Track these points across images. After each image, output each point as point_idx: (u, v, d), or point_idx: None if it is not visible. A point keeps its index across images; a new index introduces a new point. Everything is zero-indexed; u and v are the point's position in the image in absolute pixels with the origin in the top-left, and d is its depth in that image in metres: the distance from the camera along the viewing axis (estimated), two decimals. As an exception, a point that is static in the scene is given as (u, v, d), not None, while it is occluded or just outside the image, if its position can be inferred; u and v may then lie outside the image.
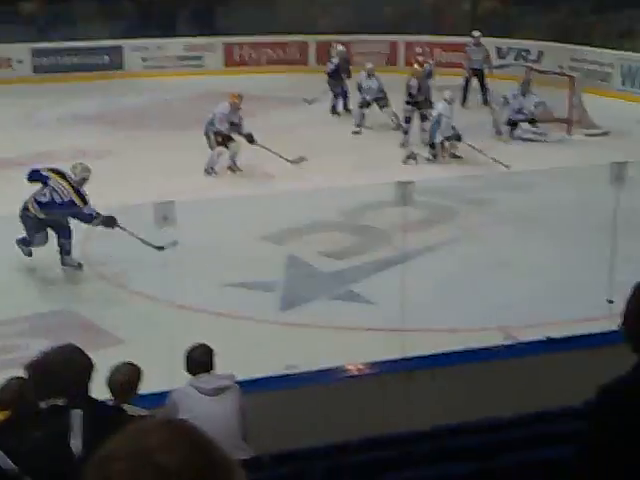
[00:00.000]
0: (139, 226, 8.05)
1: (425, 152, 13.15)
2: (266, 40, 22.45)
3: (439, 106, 13.05)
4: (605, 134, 14.34)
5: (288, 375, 5.93)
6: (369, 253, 9.17)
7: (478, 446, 3.99)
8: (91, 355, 3.43)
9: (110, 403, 4.44)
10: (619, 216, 6.91)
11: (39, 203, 8.52)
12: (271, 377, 5.89)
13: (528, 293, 7.88)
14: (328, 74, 16.68)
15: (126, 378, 4.69)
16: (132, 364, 4.81)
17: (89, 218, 8.66)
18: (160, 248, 7.91)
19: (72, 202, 8.55)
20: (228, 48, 22.44)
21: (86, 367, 3.33)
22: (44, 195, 8.59)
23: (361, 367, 5.86)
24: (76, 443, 3.07)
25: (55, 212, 8.46)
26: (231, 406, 4.91)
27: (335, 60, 16.88)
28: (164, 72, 21.40)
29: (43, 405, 3.18)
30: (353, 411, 5.50)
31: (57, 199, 8.57)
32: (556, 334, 5.88)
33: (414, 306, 6.58)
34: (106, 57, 21.75)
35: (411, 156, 13.04)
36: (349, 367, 5.89)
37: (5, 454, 3.02)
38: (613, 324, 5.36)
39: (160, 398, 5.02)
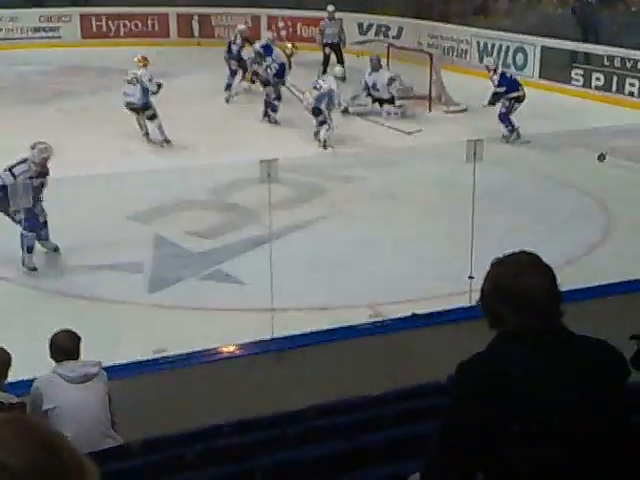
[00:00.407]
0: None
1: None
2: (125, 12, 21.92)
3: (330, 80, 13.06)
4: (464, 111, 14.74)
5: (157, 359, 5.87)
6: (237, 232, 9.13)
7: (350, 424, 4.06)
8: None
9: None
10: (477, 193, 7.12)
11: None
12: (139, 361, 5.82)
13: (395, 270, 8.05)
14: (232, 56, 16.16)
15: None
16: (3, 349, 4.67)
17: None
18: None
19: None
20: (85, 19, 21.79)
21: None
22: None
23: (231, 348, 5.87)
24: None
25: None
26: (98, 394, 4.82)
27: (238, 41, 16.47)
28: (18, 44, 20.60)
29: None
30: (224, 393, 5.50)
31: None
32: (421, 310, 6.04)
33: (284, 285, 6.61)
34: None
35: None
36: (219, 349, 5.88)
37: None
38: (474, 300, 5.56)
39: (25, 386, 4.89)
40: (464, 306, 5.86)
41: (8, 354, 4.67)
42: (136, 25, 22.13)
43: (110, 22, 21.92)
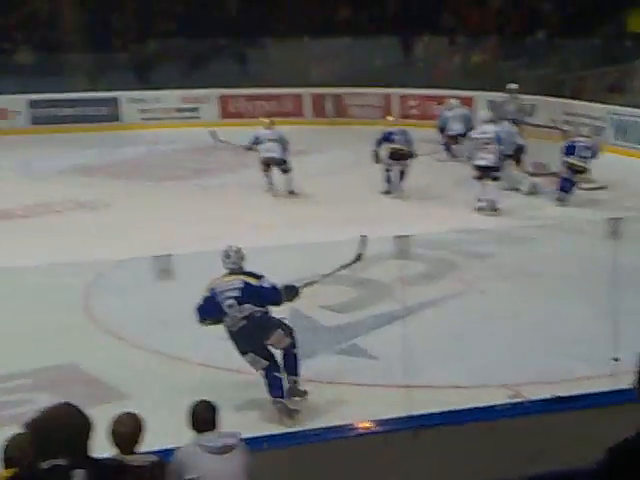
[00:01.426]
0: (138, 279, 8.03)
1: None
2: (262, 93, 22.71)
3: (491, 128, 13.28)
4: (602, 188, 14.45)
5: (292, 433, 5.90)
6: (371, 307, 9.17)
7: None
8: (95, 410, 3.44)
9: (113, 456, 4.42)
10: (618, 272, 6.94)
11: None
12: (275, 435, 5.85)
13: (532, 349, 7.88)
14: None
15: (128, 429, 4.65)
16: (133, 414, 4.77)
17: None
18: (358, 257, 7.81)
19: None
20: (224, 100, 22.67)
21: (84, 426, 3.33)
22: None
23: (366, 425, 5.83)
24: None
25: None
26: (238, 465, 4.87)
27: None
28: (161, 124, 21.56)
29: (45, 465, 3.17)
30: (358, 470, 5.46)
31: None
32: (562, 392, 5.87)
33: (417, 361, 6.58)
34: (103, 109, 21.93)
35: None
36: (354, 425, 5.86)
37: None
38: (620, 382, 5.39)
39: (165, 455, 4.98)
40: (609, 389, 5.67)
41: (141, 420, 4.74)
42: (272, 105, 22.86)
43: (247, 103, 22.74)
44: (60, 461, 3.13)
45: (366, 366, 7.84)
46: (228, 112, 22.52)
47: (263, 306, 6.94)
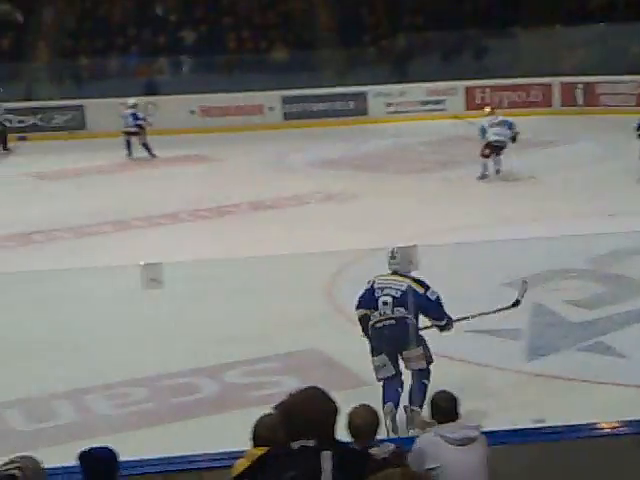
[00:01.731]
0: (384, 270, 8.15)
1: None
2: (509, 83, 22.33)
3: None
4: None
5: (535, 429, 5.76)
6: (621, 304, 8.78)
7: None
8: (336, 396, 3.52)
9: (354, 446, 4.49)
10: None
11: None
12: (517, 430, 5.75)
13: None
14: None
15: (366, 422, 4.70)
16: (370, 407, 4.80)
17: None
18: (516, 303, 7.26)
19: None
20: (470, 91, 22.50)
21: (331, 410, 3.41)
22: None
23: (615, 424, 5.59)
24: (327, 485, 3.14)
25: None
26: (478, 457, 4.82)
27: None
28: (406, 117, 21.74)
29: (294, 445, 3.27)
30: (605, 471, 5.25)
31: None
32: None
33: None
34: (351, 103, 22.44)
35: None
36: (601, 424, 5.64)
37: (261, 490, 3.15)
38: None
39: (407, 442, 5.02)
40: None
41: (377, 413, 4.76)
42: (519, 96, 22.43)
43: (493, 93, 22.43)
44: (309, 442, 3.22)
45: (613, 365, 7.52)
46: (473, 104, 22.32)
47: (417, 317, 6.58)
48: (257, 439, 4.56)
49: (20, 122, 21.59)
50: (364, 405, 4.74)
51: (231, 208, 13.58)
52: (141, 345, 7.22)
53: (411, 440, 4.99)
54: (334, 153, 18.25)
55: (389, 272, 6.73)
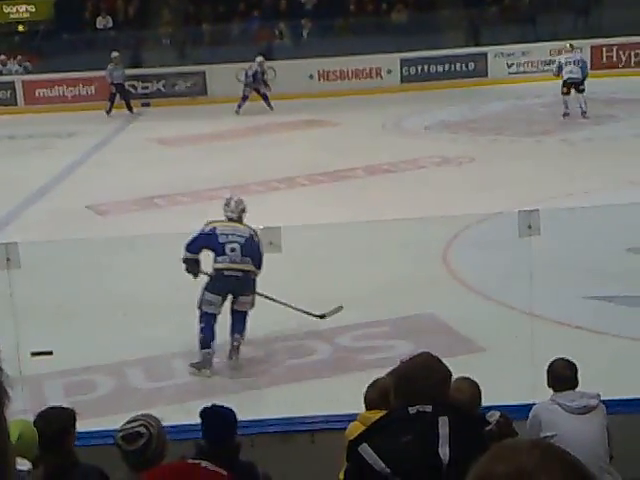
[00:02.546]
0: (503, 234, 8.02)
1: None
2: (636, 40, 21.47)
3: None
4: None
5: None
6: None
7: None
8: (453, 360, 3.49)
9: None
10: None
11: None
12: (638, 399, 5.60)
13: None
14: None
15: (467, 396, 4.61)
16: (471, 381, 4.69)
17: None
18: (321, 317, 7.49)
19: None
20: (596, 50, 21.74)
21: (445, 376, 3.39)
22: None
23: None
24: (444, 451, 3.13)
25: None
26: (598, 427, 4.71)
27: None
28: (528, 77, 21.21)
29: (412, 410, 3.27)
30: None
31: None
32: None
33: None
34: (471, 64, 22.03)
35: None
36: None
37: (377, 454, 3.16)
38: None
39: (522, 411, 4.96)
40: None
41: (478, 386, 4.65)
42: (646, 53, 21.58)
43: (621, 52, 21.62)
44: (427, 407, 3.23)
45: None
46: (599, 63, 21.56)
47: (258, 267, 7.13)
48: (369, 403, 4.60)
49: (144, 88, 22.09)
50: (464, 378, 4.67)
51: (348, 172, 13.59)
52: (258, 307, 7.32)
53: (527, 408, 4.93)
54: (452, 116, 18.00)
55: (225, 219, 7.30)
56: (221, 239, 7.12)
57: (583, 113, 16.31)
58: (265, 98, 19.71)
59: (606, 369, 6.58)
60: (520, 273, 8.31)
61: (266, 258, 7.09)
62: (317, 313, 7.52)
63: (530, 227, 7.07)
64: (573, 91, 16.52)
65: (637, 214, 9.37)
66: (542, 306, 7.67)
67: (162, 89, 22.14)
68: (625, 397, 5.53)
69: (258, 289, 7.32)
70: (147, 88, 22.12)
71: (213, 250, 7.16)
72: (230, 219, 7.30)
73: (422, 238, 9.35)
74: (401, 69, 22.07)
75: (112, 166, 14.88)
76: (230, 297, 7.16)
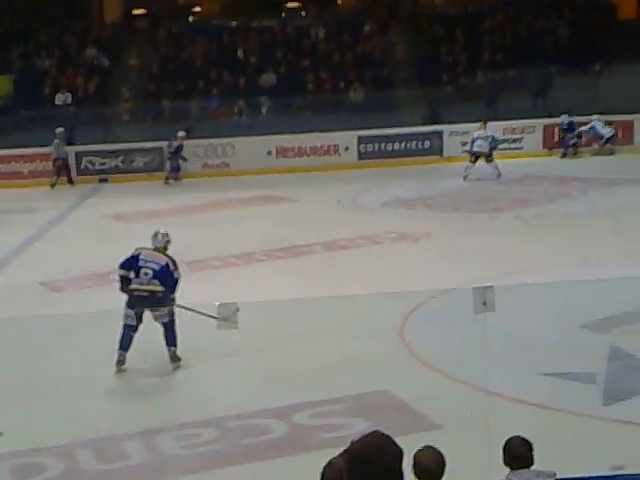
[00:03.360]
0: (458, 310, 8.06)
1: None
2: (586, 120, 22.06)
3: None
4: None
5: (614, 476, 5.58)
6: None
7: None
8: (407, 438, 3.45)
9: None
10: None
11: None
12: (595, 477, 5.57)
13: None
14: None
15: (432, 463, 4.59)
16: (435, 448, 4.68)
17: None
18: (224, 320, 7.81)
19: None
20: (548, 129, 22.26)
21: (397, 455, 3.37)
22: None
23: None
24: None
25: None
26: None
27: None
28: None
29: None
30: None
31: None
32: None
33: None
34: (427, 142, 22.41)
35: None
36: None
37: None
38: None
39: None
40: None
41: (442, 456, 4.65)
42: (598, 133, 22.14)
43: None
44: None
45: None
46: (552, 142, 22.07)
47: (166, 287, 8.63)
48: (327, 481, 4.53)
49: (102, 164, 22.15)
50: (429, 446, 4.64)
51: (305, 248, 13.63)
52: (211, 385, 7.25)
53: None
54: (409, 192, 18.23)
55: (152, 248, 8.90)
56: (140, 263, 8.70)
57: (498, 175, 19.00)
58: (177, 170, 21.13)
59: (562, 447, 6.56)
60: (476, 349, 8.34)
61: (223, 334, 7.03)
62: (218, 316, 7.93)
63: (485, 303, 7.12)
64: (483, 162, 19.34)
65: (590, 291, 9.50)
66: (498, 383, 7.69)
67: (120, 165, 22.18)
68: (581, 475, 5.50)
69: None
70: (105, 164, 22.16)
71: (134, 271, 8.64)
72: (156, 249, 8.87)
73: (379, 313, 9.37)
74: (358, 146, 22.38)
75: (68, 242, 14.79)
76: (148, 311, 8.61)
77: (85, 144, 22.08)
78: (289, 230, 14.85)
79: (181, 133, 21.39)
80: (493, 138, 19.63)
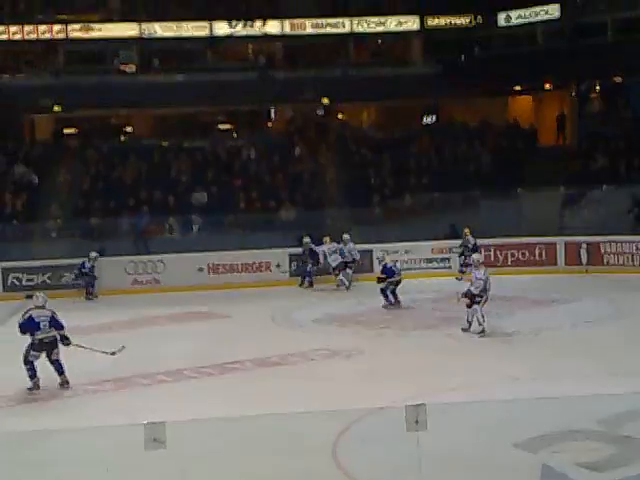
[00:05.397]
0: (390, 429, 8.01)
1: None
2: (513, 242, 22.67)
3: None
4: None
5: None
6: (633, 465, 8.52)
7: None
8: None
9: None
10: None
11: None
12: None
13: None
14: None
15: None
16: None
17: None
18: (112, 354, 12.06)
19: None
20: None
21: None
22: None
23: None
24: None
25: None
26: None
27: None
28: (411, 274, 21.92)
29: None
30: None
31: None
32: None
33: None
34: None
35: None
36: None
37: None
38: None
39: None
40: None
41: None
42: (523, 254, 22.72)
43: (498, 252, 22.70)
44: None
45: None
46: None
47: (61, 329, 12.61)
48: None
49: (29, 280, 21.81)
50: None
51: (236, 365, 13.49)
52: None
53: None
54: (340, 309, 18.33)
55: (39, 306, 12.67)
56: (36, 319, 12.50)
57: (348, 287, 21.20)
58: (91, 286, 21.34)
59: None
60: (409, 468, 8.28)
61: (149, 455, 6.84)
62: (108, 351, 12.83)
63: (417, 422, 7.14)
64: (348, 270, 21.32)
65: (521, 409, 9.57)
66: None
67: (48, 281, 21.86)
68: None
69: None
70: (32, 280, 21.82)
71: (35, 328, 12.42)
72: (37, 307, 12.65)
73: (311, 431, 9.23)
74: (290, 263, 22.52)
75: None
76: (45, 353, 12.44)
77: (12, 260, 21.76)
78: (220, 347, 14.72)
79: (93, 254, 21.44)
80: (342, 250, 21.58)
